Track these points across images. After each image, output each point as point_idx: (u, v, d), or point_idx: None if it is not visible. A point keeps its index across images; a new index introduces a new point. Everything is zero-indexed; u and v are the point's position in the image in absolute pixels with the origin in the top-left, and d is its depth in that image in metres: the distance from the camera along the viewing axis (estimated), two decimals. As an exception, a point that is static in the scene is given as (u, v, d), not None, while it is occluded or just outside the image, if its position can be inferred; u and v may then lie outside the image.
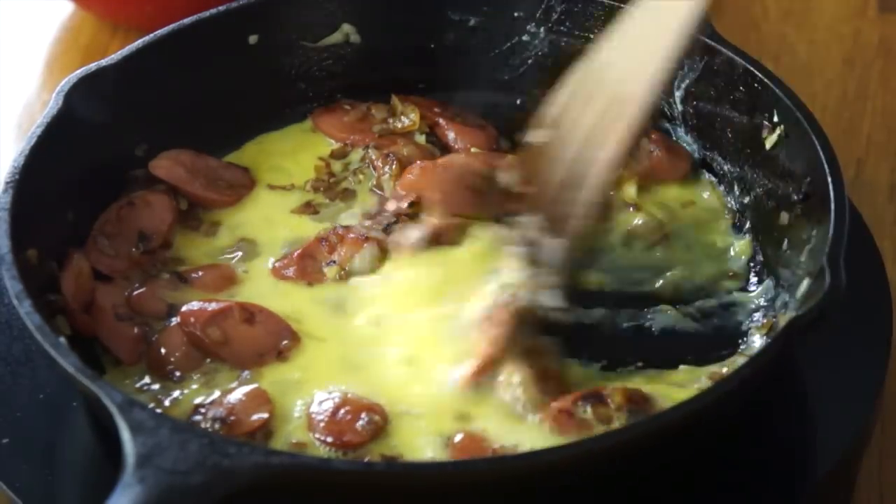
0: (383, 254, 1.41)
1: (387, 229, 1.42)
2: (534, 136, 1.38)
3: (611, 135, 1.32)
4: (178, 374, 1.31)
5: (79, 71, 1.42)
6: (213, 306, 1.35)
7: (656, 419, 1.15)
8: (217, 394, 1.28)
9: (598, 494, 1.19)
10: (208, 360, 1.32)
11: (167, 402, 1.28)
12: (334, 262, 1.40)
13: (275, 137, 1.56)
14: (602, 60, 1.36)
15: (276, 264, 1.41)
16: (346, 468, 1.14)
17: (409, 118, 1.56)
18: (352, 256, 1.40)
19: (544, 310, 1.31)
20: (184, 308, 1.35)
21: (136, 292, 1.38)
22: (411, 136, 1.54)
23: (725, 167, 1.48)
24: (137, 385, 1.31)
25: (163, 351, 1.33)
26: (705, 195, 1.49)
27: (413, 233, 1.40)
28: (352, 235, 1.42)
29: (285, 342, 1.33)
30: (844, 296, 1.20)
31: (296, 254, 1.41)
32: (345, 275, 1.40)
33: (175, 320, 1.35)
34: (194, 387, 1.30)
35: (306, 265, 1.41)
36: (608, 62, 1.35)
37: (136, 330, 1.35)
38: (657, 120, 1.53)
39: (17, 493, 1.24)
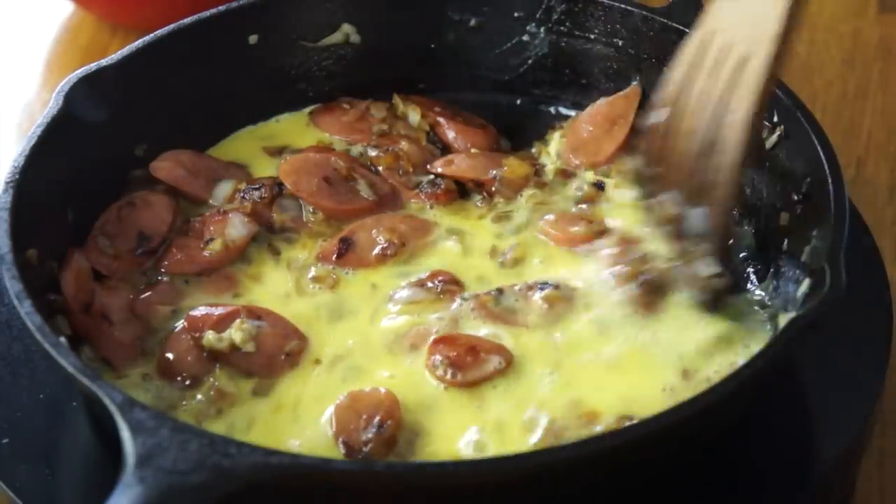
0: (256, 219, 1.44)
1: (255, 203, 1.44)
2: (655, 117, 1.39)
3: (740, 96, 1.32)
4: (189, 381, 1.31)
5: (79, 71, 1.42)
6: (219, 311, 1.35)
7: (657, 420, 1.15)
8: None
9: (598, 495, 1.19)
10: (218, 367, 1.32)
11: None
12: (212, 239, 1.41)
13: (272, 132, 1.56)
14: (713, 26, 1.36)
15: (165, 263, 1.42)
16: (345, 468, 1.14)
17: (410, 118, 1.56)
18: (224, 231, 1.42)
19: (703, 279, 1.35)
20: (190, 313, 1.36)
21: (141, 296, 1.38)
22: (411, 136, 1.55)
23: (725, 167, 1.48)
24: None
25: (170, 356, 1.33)
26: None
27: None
28: (211, 216, 1.44)
29: (293, 344, 1.34)
30: (844, 296, 1.20)
31: (173, 247, 1.42)
32: (232, 245, 1.41)
33: (179, 325, 1.35)
34: (199, 397, 1.30)
35: (189, 251, 1.42)
36: (720, 26, 1.35)
37: (133, 335, 1.35)
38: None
39: (17, 493, 1.24)
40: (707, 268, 1.35)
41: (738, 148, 1.32)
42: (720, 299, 1.35)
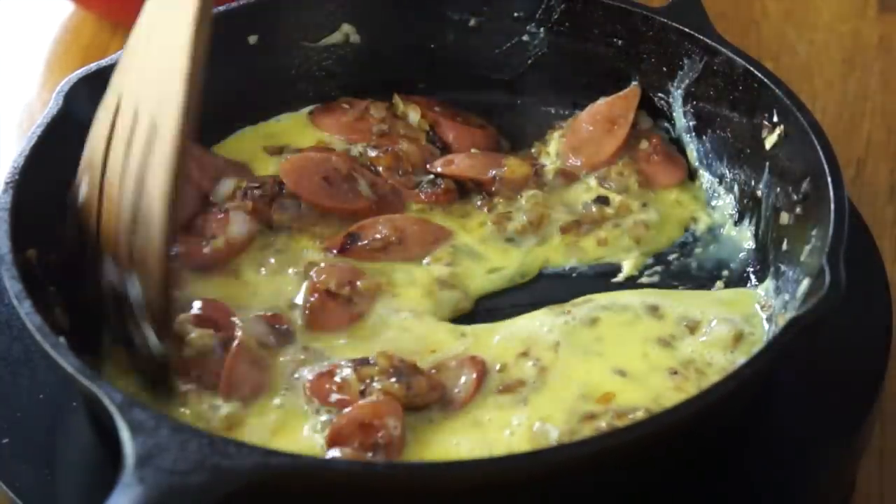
0: (256, 218, 1.43)
1: (256, 202, 1.44)
2: (79, 187, 1.31)
3: (155, 168, 1.25)
4: None
5: (79, 71, 1.42)
6: None
7: (655, 420, 1.15)
8: None
9: (596, 495, 1.19)
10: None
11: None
12: (214, 236, 1.41)
13: (272, 132, 1.56)
14: (119, 88, 1.29)
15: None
16: (345, 468, 1.14)
17: (410, 118, 1.56)
18: (225, 228, 1.42)
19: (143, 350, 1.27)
20: None
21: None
22: (411, 136, 1.55)
23: (725, 167, 1.48)
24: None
25: None
26: (705, 196, 1.49)
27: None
28: (213, 213, 1.44)
29: None
30: (844, 296, 1.20)
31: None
32: (233, 242, 1.41)
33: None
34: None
35: (189, 247, 1.41)
36: (126, 89, 1.28)
37: None
38: (657, 120, 1.54)
39: (17, 493, 1.24)
40: (148, 337, 1.26)
41: (160, 223, 1.25)
42: (158, 378, 1.28)
